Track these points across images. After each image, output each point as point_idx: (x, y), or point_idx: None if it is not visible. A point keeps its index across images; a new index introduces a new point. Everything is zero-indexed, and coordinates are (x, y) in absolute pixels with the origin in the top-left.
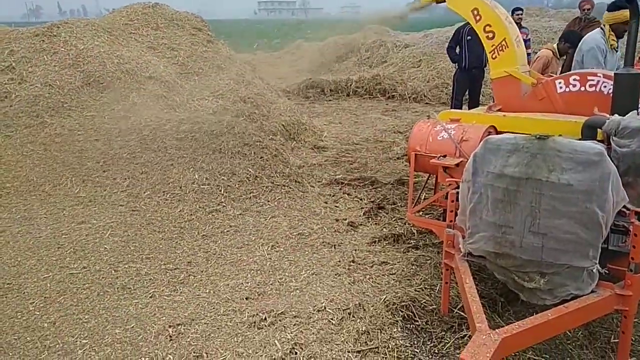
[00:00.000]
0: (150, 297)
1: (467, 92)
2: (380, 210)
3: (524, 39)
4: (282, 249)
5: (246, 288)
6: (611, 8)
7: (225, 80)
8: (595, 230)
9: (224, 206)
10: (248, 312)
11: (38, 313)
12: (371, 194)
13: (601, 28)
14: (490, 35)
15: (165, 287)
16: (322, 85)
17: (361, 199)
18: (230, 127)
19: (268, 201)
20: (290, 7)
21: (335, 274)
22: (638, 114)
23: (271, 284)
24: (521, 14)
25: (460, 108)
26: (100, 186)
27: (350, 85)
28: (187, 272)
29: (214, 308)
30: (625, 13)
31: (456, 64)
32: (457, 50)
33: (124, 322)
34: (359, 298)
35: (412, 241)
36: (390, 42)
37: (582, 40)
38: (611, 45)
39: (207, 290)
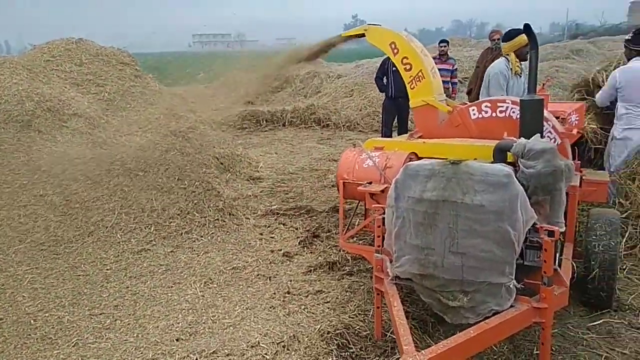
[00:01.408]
0: (74, 345)
1: (396, 120)
2: (315, 239)
3: (450, 69)
4: (215, 285)
5: (177, 329)
6: (506, 38)
7: (154, 115)
8: (508, 247)
9: (153, 245)
10: (178, 354)
11: None
12: (307, 223)
13: (505, 57)
14: (408, 67)
15: (90, 335)
16: (258, 116)
17: (297, 229)
18: (160, 162)
19: (201, 236)
20: (225, 39)
21: (270, 307)
22: (542, 137)
23: (203, 323)
24: (446, 46)
25: (390, 135)
26: (18, 231)
27: (286, 115)
28: (114, 316)
29: (141, 353)
30: (520, 39)
31: (384, 93)
32: (384, 80)
33: None
34: (294, 330)
35: (346, 268)
36: (324, 72)
37: (488, 68)
38: (516, 71)
39: (135, 335)
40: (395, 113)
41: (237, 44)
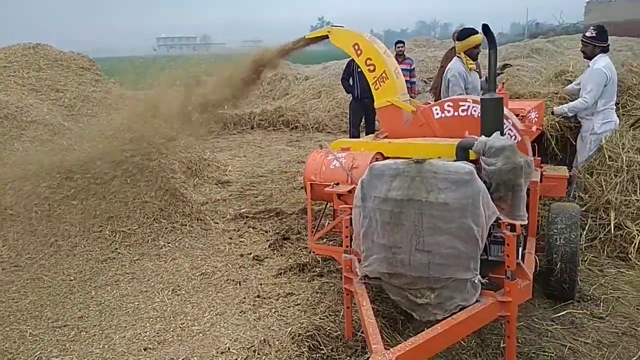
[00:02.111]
0: None
1: (363, 120)
2: (285, 241)
3: (408, 69)
4: (183, 292)
5: (145, 338)
6: (460, 38)
7: (117, 120)
8: (472, 243)
9: (119, 253)
10: None
11: None
12: (276, 226)
13: (457, 56)
14: (372, 68)
15: (54, 348)
16: (225, 119)
17: (266, 232)
18: (124, 168)
19: (168, 243)
20: (190, 42)
21: (240, 312)
22: (502, 135)
23: (172, 331)
24: (402, 46)
25: (358, 135)
26: None
27: (254, 118)
28: (79, 328)
29: None
30: (473, 39)
31: (350, 94)
32: (350, 81)
33: None
34: (264, 334)
35: (317, 269)
36: (291, 74)
37: (446, 69)
38: (470, 68)
39: (101, 346)
40: (362, 113)
41: (203, 47)
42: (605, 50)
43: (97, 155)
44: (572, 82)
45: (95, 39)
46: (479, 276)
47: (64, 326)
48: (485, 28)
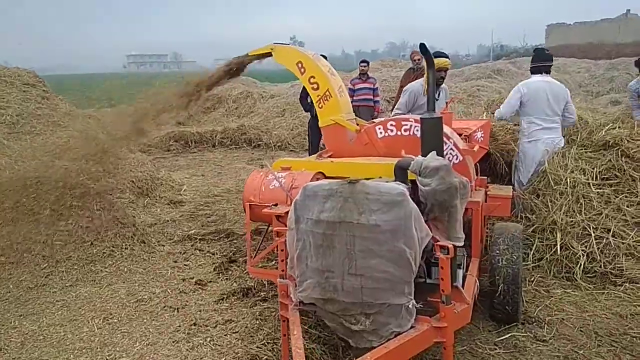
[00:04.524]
0: None
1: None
2: (231, 264)
3: (371, 87)
4: (115, 320)
5: None
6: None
7: (63, 138)
8: (405, 267)
9: (51, 279)
10: None
11: None
12: (225, 248)
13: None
14: (315, 86)
15: None
16: (186, 138)
17: (214, 254)
18: (66, 188)
19: (105, 267)
20: (161, 60)
21: (173, 342)
22: (442, 154)
23: None
24: (366, 66)
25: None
26: None
27: (215, 136)
28: None
29: None
30: (439, 62)
31: (309, 112)
32: (309, 99)
33: None
34: None
35: (261, 293)
36: (257, 92)
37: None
38: None
39: None
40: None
41: (175, 65)
42: (534, 71)
43: (37, 174)
44: None
45: (58, 56)
46: (414, 301)
47: None
48: (423, 48)
